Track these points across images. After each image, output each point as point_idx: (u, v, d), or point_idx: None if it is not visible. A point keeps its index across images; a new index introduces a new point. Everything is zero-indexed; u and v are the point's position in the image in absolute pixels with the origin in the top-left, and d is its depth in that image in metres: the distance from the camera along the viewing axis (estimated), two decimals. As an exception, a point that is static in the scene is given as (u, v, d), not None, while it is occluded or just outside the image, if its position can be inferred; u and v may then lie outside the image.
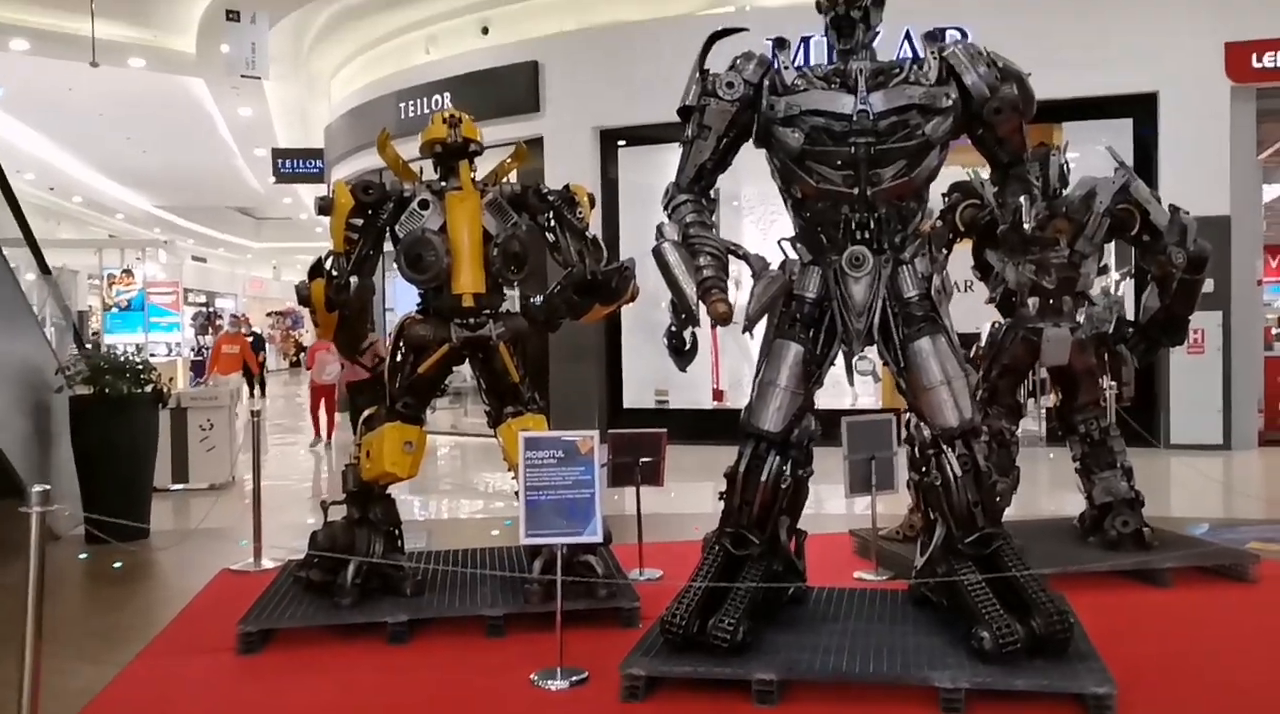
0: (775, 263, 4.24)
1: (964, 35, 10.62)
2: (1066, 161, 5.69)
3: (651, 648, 4.06)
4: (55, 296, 9.36)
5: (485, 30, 14.23)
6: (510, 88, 12.93)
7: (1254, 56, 11.01)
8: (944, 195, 5.72)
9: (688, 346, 4.04)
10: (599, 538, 4.25)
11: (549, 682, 4.07)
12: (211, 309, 33.90)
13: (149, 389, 7.33)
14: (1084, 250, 5.54)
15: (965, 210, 5.56)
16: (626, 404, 12.83)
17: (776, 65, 4.16)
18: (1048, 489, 9.06)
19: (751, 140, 4.24)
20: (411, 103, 13.85)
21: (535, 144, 13.07)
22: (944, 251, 5.64)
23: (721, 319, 3.72)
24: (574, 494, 4.18)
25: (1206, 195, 10.36)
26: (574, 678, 4.09)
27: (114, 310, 18.85)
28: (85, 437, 7.12)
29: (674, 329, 4.03)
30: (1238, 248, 11.08)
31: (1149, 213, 5.51)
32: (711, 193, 4.24)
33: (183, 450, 9.62)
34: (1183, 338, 5.85)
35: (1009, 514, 5.79)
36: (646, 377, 12.59)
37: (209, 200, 33.35)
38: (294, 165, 18.69)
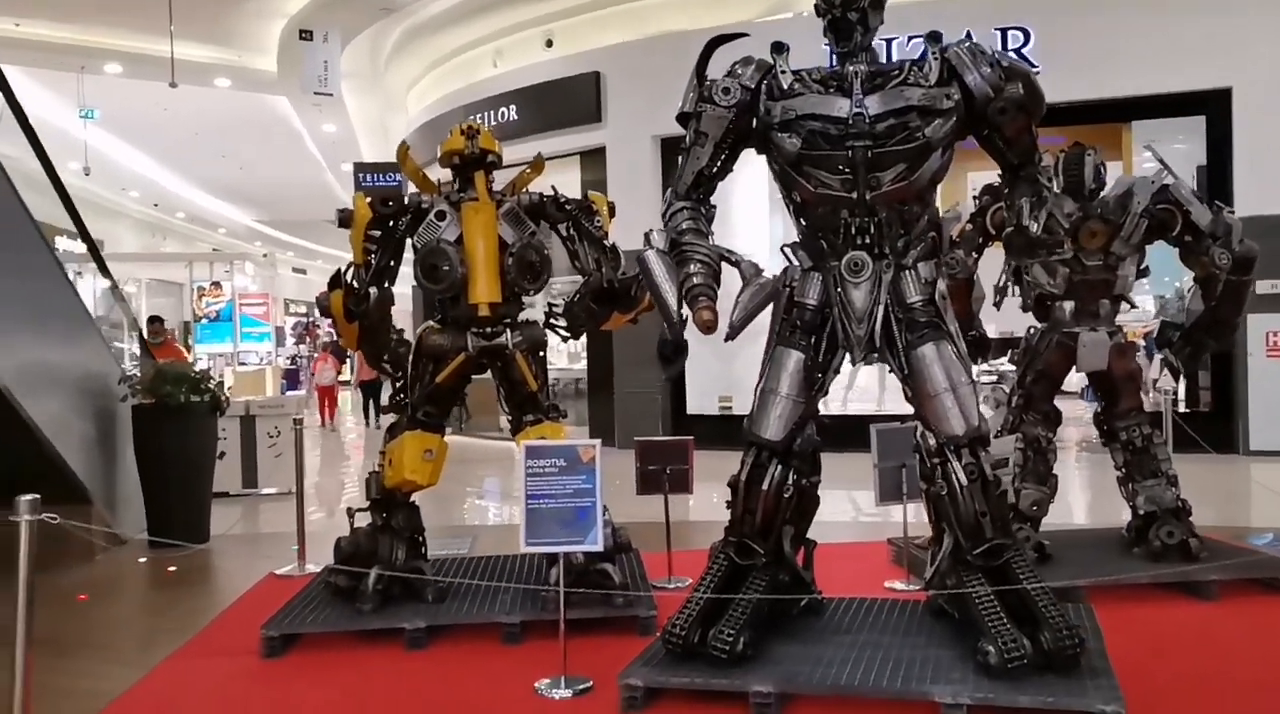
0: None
1: (1026, 37, 10.41)
2: (1102, 162, 5.48)
3: (653, 658, 4.04)
4: (123, 308, 9.74)
5: (549, 43, 14.38)
6: (573, 99, 13.05)
7: (1335, 48, 10.52)
8: (975, 198, 5.59)
9: (671, 353, 4.01)
10: (599, 547, 4.24)
11: (553, 690, 4.08)
12: (311, 319, 34.81)
13: (206, 398, 7.54)
14: (1120, 252, 5.33)
15: (996, 213, 5.40)
16: (690, 410, 12.80)
17: (775, 70, 4.11)
18: (1111, 495, 8.77)
19: (754, 146, 4.20)
20: (478, 116, 14.02)
21: (598, 153, 13.20)
22: (974, 255, 5.54)
23: (706, 327, 3.68)
24: (575, 503, 4.18)
25: (1283, 192, 9.95)
26: (579, 687, 4.08)
27: (204, 321, 19.53)
28: (146, 444, 7.38)
29: (663, 336, 4.01)
30: (1318, 247, 10.58)
31: (1190, 213, 5.28)
32: (711, 199, 4.21)
33: (252, 457, 9.92)
34: (1229, 341, 5.61)
35: (1048, 521, 5.65)
36: (710, 383, 12.54)
37: (304, 213, 34.24)
38: (375, 179, 19.05)
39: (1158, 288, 11.66)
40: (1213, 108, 10.93)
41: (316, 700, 4.18)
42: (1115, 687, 3.59)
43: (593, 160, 13.30)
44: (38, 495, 3.26)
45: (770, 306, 4.11)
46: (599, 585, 4.76)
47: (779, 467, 4.10)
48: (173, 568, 6.74)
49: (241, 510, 9.28)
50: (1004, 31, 10.90)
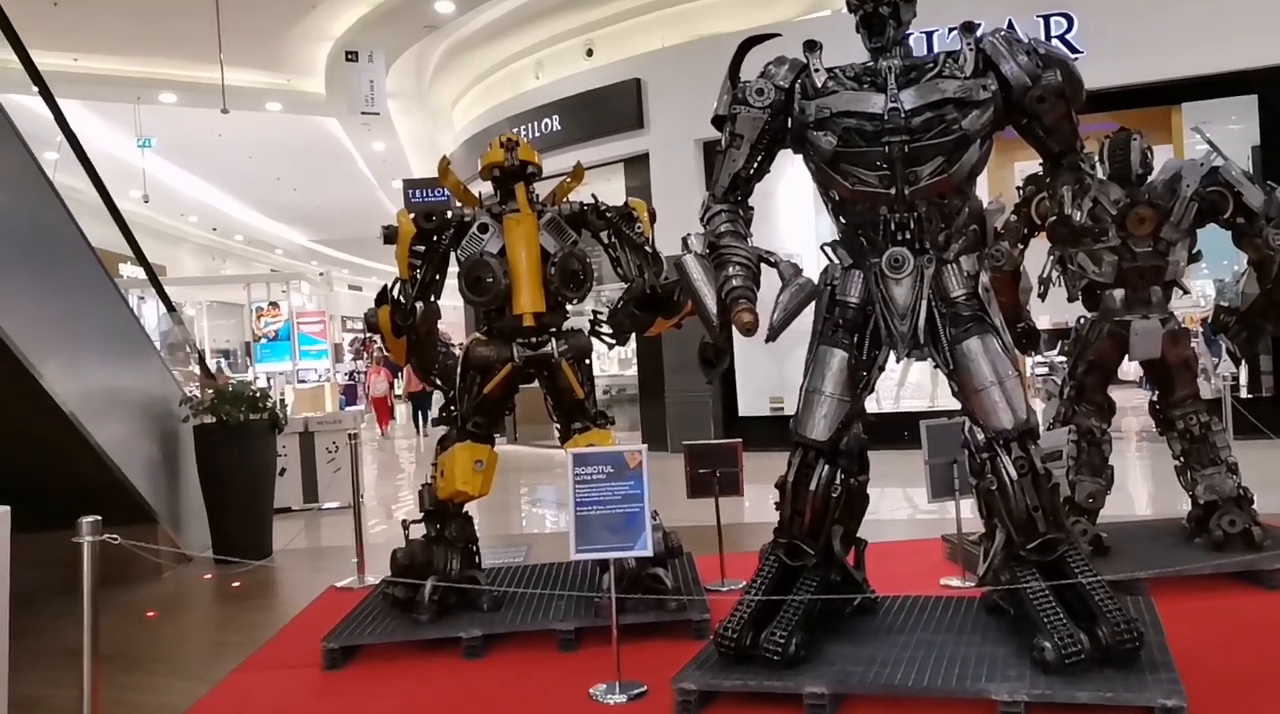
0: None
1: (1070, 23, 10.25)
2: (1149, 147, 5.38)
3: (706, 662, 4.04)
4: (181, 331, 9.98)
5: (590, 52, 14.47)
6: (615, 106, 13.14)
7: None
8: (1018, 188, 5.53)
9: (712, 356, 4.02)
10: (649, 552, 4.25)
11: (607, 696, 4.10)
12: (367, 336, 35.25)
13: (265, 416, 7.69)
14: (1170, 238, 5.23)
15: (1040, 203, 5.34)
16: (742, 412, 12.77)
17: (808, 68, 4.10)
18: (1172, 485, 8.61)
19: (790, 146, 4.20)
20: (522, 127, 14.17)
21: (641, 160, 13.25)
22: (1020, 246, 5.47)
23: (746, 329, 3.68)
24: (623, 508, 4.20)
25: (1346, 170, 9.65)
26: (633, 692, 4.10)
27: (263, 341, 19.90)
28: (208, 463, 7.55)
29: (705, 340, 4.02)
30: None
31: (1242, 194, 5.16)
32: (749, 201, 4.22)
33: (312, 472, 10.08)
34: (1288, 324, 5.47)
35: (1107, 513, 5.56)
36: (761, 384, 12.51)
37: (358, 232, 34.55)
38: (424, 194, 19.25)
39: (1215, 272, 11.40)
40: (1264, 86, 10.68)
41: (377, 711, 4.24)
42: (1176, 680, 3.53)
43: (636, 167, 13.35)
44: (99, 517, 3.34)
45: (811, 306, 4.09)
46: (652, 590, 4.77)
47: (826, 466, 4.08)
48: (236, 583, 6.88)
49: (303, 525, 9.41)
50: (1046, 18, 10.76)
